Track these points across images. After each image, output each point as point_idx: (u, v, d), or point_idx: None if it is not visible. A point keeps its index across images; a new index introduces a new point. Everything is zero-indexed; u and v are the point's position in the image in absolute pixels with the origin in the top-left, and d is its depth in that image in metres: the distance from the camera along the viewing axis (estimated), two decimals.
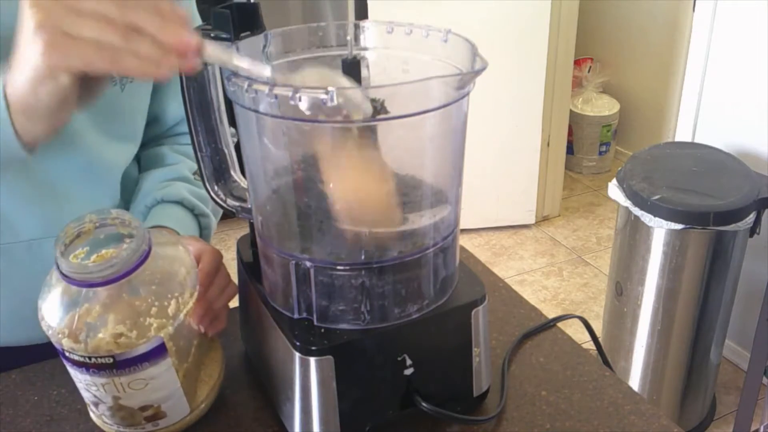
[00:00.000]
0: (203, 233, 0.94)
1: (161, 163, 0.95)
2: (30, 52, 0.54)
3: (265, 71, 0.57)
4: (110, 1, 0.53)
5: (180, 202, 0.91)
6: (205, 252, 0.77)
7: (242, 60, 0.57)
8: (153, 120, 0.97)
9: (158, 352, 0.65)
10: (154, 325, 0.64)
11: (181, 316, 0.67)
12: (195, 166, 0.95)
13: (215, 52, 0.56)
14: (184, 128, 0.98)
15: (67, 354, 0.64)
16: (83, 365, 0.64)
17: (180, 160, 0.95)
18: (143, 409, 0.68)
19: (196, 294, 0.69)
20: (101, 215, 0.66)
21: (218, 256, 0.78)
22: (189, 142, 0.97)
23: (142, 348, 0.64)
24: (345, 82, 0.62)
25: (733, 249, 1.75)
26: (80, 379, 0.66)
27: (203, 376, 0.74)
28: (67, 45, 0.53)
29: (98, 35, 0.53)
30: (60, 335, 0.63)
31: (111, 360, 0.63)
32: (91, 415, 0.73)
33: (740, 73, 2.00)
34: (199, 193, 0.93)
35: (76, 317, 0.62)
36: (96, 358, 0.63)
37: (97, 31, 0.53)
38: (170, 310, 0.65)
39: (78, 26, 0.52)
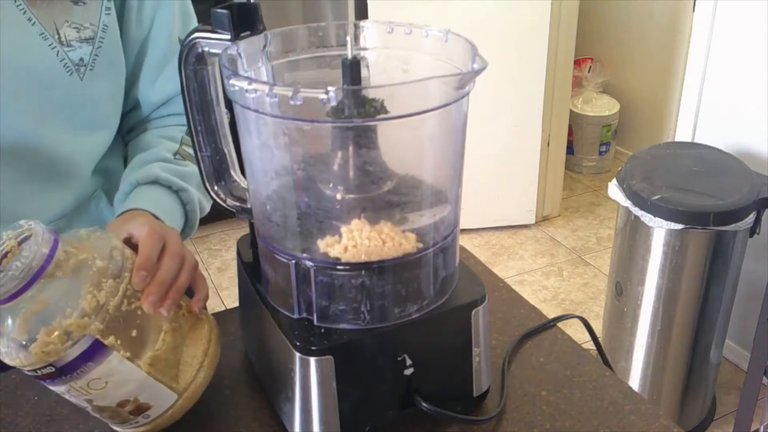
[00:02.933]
0: (187, 208, 0.91)
1: (142, 149, 0.94)
2: None
3: None
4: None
5: (155, 182, 0.89)
6: (141, 236, 0.72)
7: None
8: (135, 106, 0.97)
9: (95, 350, 0.63)
10: (73, 324, 0.61)
11: (110, 309, 0.63)
12: (174, 146, 0.94)
13: None
14: (167, 110, 0.97)
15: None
16: (37, 377, 0.64)
17: (159, 143, 0.94)
18: (122, 405, 0.67)
19: (125, 280, 0.66)
20: (16, 230, 0.64)
21: (156, 238, 0.72)
22: (173, 123, 0.96)
23: (75, 351, 0.62)
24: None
25: (733, 249, 1.75)
26: (53, 389, 0.66)
27: (186, 358, 0.71)
28: None
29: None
30: (3, 356, 0.62)
31: (53, 369, 0.62)
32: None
33: (740, 73, 2.00)
34: (177, 170, 0.91)
35: (3, 336, 0.61)
36: (39, 370, 0.62)
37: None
38: (88, 307, 0.62)
39: None
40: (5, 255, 0.62)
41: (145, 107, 0.97)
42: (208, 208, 0.95)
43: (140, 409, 0.68)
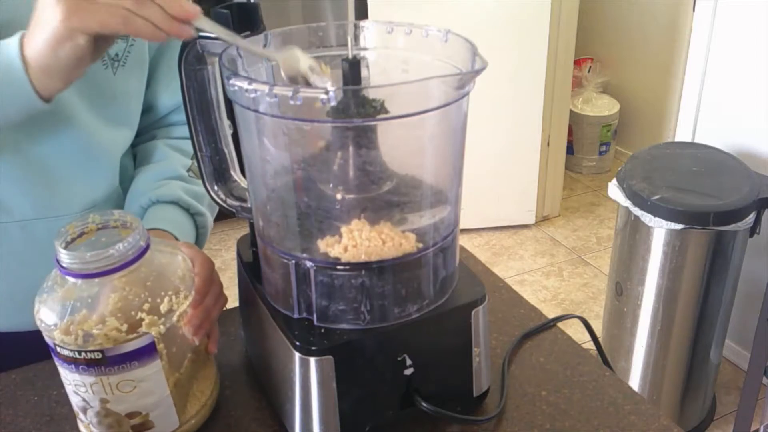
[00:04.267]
0: (200, 232, 0.93)
1: (154, 159, 0.95)
2: (50, 15, 0.61)
3: (241, 41, 0.63)
4: None
5: (176, 203, 0.90)
6: (197, 258, 0.76)
7: (232, 35, 0.63)
8: (147, 108, 0.97)
9: (148, 351, 0.65)
10: (146, 320, 0.64)
11: (174, 317, 0.67)
12: (188, 162, 0.94)
13: (209, 23, 0.63)
14: (177, 117, 0.97)
15: (57, 349, 0.64)
16: (73, 361, 0.64)
17: (172, 156, 0.94)
18: (131, 416, 0.68)
19: (190, 297, 0.69)
20: (104, 216, 0.67)
21: (211, 264, 0.77)
22: (183, 134, 0.97)
23: (132, 344, 0.64)
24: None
25: (733, 249, 1.75)
26: (70, 380, 0.66)
27: (195, 392, 0.73)
28: (86, 9, 0.60)
29: (113, 1, 0.60)
30: (53, 328, 0.63)
31: (100, 355, 0.63)
32: (80, 425, 0.72)
33: (740, 73, 2.00)
34: (195, 191, 0.92)
35: (69, 309, 0.63)
36: (86, 352, 0.63)
37: None
38: (162, 308, 0.65)
39: None
40: (81, 235, 0.65)
41: (156, 110, 0.97)
42: (211, 227, 0.97)
43: (143, 427, 0.69)
